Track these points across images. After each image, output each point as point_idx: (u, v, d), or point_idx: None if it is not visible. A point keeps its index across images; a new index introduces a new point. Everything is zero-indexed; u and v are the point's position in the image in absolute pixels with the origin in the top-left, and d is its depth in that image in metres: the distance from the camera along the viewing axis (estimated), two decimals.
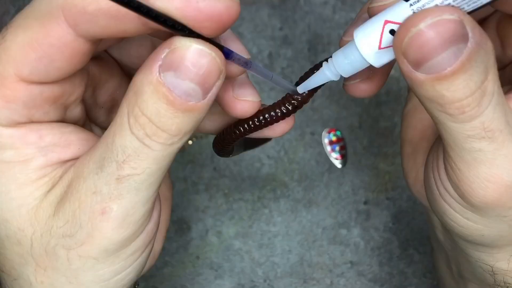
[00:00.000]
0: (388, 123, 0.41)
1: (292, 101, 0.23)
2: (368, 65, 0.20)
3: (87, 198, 0.19)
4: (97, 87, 0.23)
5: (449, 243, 0.26)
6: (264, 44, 0.41)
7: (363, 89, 0.23)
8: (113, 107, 0.24)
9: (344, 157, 0.41)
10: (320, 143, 0.41)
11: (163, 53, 0.17)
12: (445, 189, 0.21)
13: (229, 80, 0.21)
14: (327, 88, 0.41)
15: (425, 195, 0.25)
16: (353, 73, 0.21)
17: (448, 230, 0.23)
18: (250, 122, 0.22)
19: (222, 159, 0.41)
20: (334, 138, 0.41)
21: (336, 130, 0.41)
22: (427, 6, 0.18)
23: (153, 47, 0.20)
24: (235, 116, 0.22)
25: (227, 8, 0.17)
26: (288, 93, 0.23)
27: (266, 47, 0.41)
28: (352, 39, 0.20)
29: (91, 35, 0.18)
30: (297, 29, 0.41)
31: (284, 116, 0.23)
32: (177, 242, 0.41)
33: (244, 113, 0.22)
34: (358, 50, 0.19)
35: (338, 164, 0.41)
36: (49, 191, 0.20)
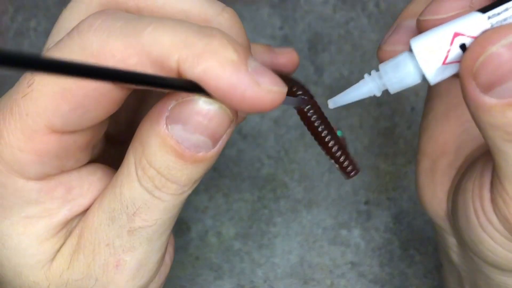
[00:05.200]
0: (389, 123, 0.41)
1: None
2: (420, 80, 0.18)
3: (101, 251, 0.19)
4: (118, 111, 0.22)
5: (466, 265, 0.25)
6: (264, 43, 0.41)
7: None
8: (131, 123, 0.24)
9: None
10: None
11: (170, 104, 0.17)
12: (488, 220, 0.20)
13: None
14: (327, 88, 0.41)
15: (441, 214, 0.24)
16: (401, 89, 0.18)
17: (475, 255, 0.22)
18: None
19: (221, 159, 0.40)
20: None
21: (336, 130, 0.41)
22: (509, 21, 0.16)
23: None
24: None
25: (272, 101, 0.16)
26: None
27: None
28: (405, 52, 0.18)
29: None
30: (297, 29, 0.41)
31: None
32: (176, 243, 0.41)
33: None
34: (414, 63, 0.17)
35: None
36: (63, 243, 0.19)
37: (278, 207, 0.41)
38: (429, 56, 0.17)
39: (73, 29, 0.17)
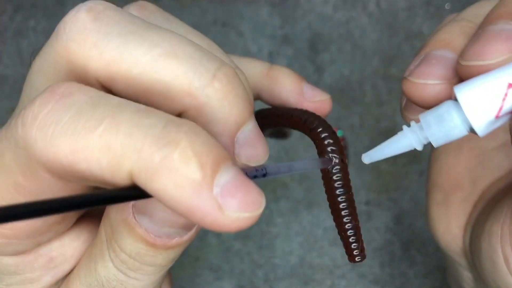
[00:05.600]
0: (389, 123, 0.40)
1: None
2: (468, 132, 0.16)
3: None
4: None
5: None
6: (264, 43, 0.40)
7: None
8: None
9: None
10: None
11: None
12: None
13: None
14: (327, 87, 0.41)
15: (455, 249, 0.23)
16: (445, 143, 0.17)
17: None
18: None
19: None
20: None
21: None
22: None
23: None
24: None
25: (238, 227, 0.14)
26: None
27: (266, 46, 0.40)
28: (450, 102, 0.16)
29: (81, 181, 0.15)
30: (298, 28, 0.41)
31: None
32: None
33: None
34: (462, 116, 0.16)
35: None
36: None
37: (278, 208, 0.41)
38: (479, 109, 0.15)
39: (19, 113, 0.15)
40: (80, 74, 0.16)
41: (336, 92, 0.41)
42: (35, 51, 0.18)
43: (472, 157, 0.23)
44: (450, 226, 0.23)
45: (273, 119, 0.20)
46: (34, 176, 0.15)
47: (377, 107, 0.41)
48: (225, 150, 0.14)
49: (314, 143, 0.19)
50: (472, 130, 0.16)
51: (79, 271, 0.18)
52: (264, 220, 0.41)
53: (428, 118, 0.17)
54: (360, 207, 0.42)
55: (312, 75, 0.40)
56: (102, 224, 0.17)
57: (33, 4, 0.40)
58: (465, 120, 0.16)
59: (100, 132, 0.14)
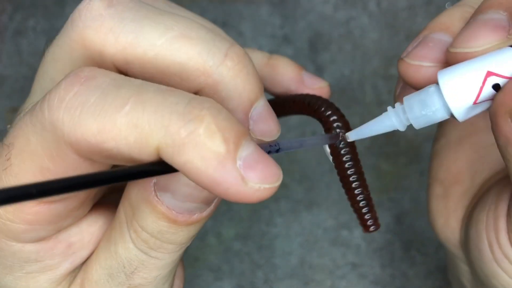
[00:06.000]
0: None
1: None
2: (448, 116, 0.17)
3: None
4: None
5: None
6: (264, 43, 0.40)
7: None
8: None
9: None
10: None
11: None
12: (504, 254, 0.19)
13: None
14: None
15: (454, 242, 0.23)
16: (426, 125, 0.18)
17: (485, 285, 0.21)
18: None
19: None
20: None
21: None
22: None
23: None
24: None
25: (259, 198, 0.15)
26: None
27: (266, 46, 0.40)
28: (432, 87, 0.17)
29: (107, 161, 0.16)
30: (298, 28, 0.41)
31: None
32: None
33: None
34: (442, 101, 0.16)
35: None
36: None
37: (279, 208, 0.41)
38: (458, 95, 0.16)
39: (44, 97, 0.15)
40: (97, 60, 0.17)
41: (336, 92, 0.41)
42: (49, 41, 0.18)
43: (472, 152, 0.23)
44: (449, 220, 0.24)
45: (277, 108, 0.20)
46: (61, 158, 0.15)
47: (377, 106, 0.41)
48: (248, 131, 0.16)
49: (320, 122, 0.20)
50: (452, 115, 0.17)
51: (99, 255, 0.18)
52: (264, 220, 0.41)
53: (411, 101, 0.17)
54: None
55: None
56: (121, 206, 0.17)
57: (33, 3, 0.40)
58: (446, 104, 0.16)
59: (127, 110, 0.14)
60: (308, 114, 0.20)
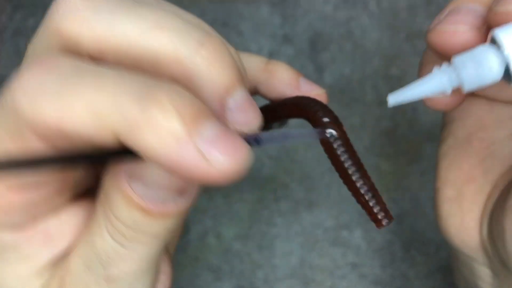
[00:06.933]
0: (390, 122, 0.40)
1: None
2: (500, 78, 0.16)
3: None
4: None
5: None
6: (264, 42, 0.40)
7: (447, 102, 0.20)
8: None
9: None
10: None
11: None
12: None
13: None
14: (328, 87, 0.41)
15: (471, 244, 0.23)
16: (476, 87, 0.17)
17: None
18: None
19: None
20: None
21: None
22: None
23: None
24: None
25: (225, 177, 0.14)
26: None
27: (266, 45, 0.40)
28: (485, 45, 0.16)
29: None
30: (298, 27, 0.40)
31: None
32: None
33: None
34: (500, 58, 0.16)
35: None
36: (48, 285, 0.19)
37: (279, 208, 0.41)
38: None
39: (10, 85, 0.16)
40: (73, 51, 0.17)
41: (336, 92, 0.41)
42: (31, 39, 0.19)
43: (482, 148, 0.23)
44: (464, 221, 0.23)
45: (270, 114, 0.20)
46: (22, 141, 0.15)
47: (377, 106, 0.40)
48: (213, 113, 0.15)
49: (309, 121, 0.19)
50: (506, 76, 0.16)
51: (79, 247, 0.18)
52: (264, 220, 0.41)
53: (463, 58, 0.16)
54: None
55: (312, 74, 0.40)
56: (98, 197, 0.17)
57: (32, 3, 0.40)
58: (503, 62, 0.16)
59: (85, 94, 0.14)
60: (298, 115, 0.20)
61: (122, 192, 0.16)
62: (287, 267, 0.40)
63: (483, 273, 0.24)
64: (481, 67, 0.16)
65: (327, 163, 0.40)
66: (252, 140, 0.16)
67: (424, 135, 0.40)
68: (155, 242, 0.17)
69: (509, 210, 0.20)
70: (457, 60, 0.16)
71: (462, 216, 0.23)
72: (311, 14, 0.41)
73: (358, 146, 0.43)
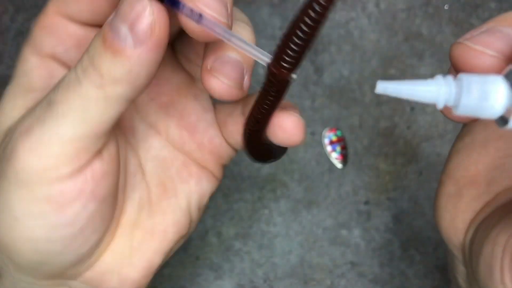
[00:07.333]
0: (389, 123, 0.41)
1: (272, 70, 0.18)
2: (496, 118, 0.15)
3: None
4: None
5: None
6: (264, 44, 0.41)
7: (456, 117, 0.19)
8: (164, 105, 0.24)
9: (344, 157, 0.40)
10: (320, 143, 0.41)
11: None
12: None
13: (210, 48, 0.20)
14: (327, 87, 0.41)
15: (456, 242, 0.23)
16: (468, 116, 0.15)
17: None
18: (256, 105, 0.19)
19: None
20: (334, 138, 0.41)
21: (336, 130, 0.41)
22: None
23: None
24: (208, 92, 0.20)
25: None
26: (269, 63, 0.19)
27: (266, 47, 0.40)
28: (500, 77, 0.15)
29: None
30: None
31: (276, 86, 0.18)
32: None
33: (216, 93, 0.20)
34: (506, 101, 0.14)
35: (338, 164, 0.40)
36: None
37: (278, 207, 0.41)
38: None
39: None
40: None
41: (336, 92, 0.41)
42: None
43: (496, 158, 0.23)
44: (455, 220, 0.23)
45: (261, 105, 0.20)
46: None
47: (376, 107, 0.41)
48: None
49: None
50: (501, 119, 0.15)
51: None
52: (264, 219, 0.41)
53: (471, 81, 0.15)
54: (359, 207, 0.42)
55: (312, 75, 0.41)
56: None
57: (35, 4, 0.40)
58: (507, 105, 0.14)
59: None
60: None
61: (99, 35, 0.18)
62: (286, 266, 0.41)
63: (461, 270, 0.24)
64: (485, 100, 0.14)
65: (326, 163, 0.40)
66: (193, 16, 0.17)
67: (422, 135, 0.40)
68: (98, 84, 0.18)
69: (492, 238, 0.21)
70: (465, 80, 0.15)
71: (455, 214, 0.23)
72: None
73: (357, 146, 0.43)
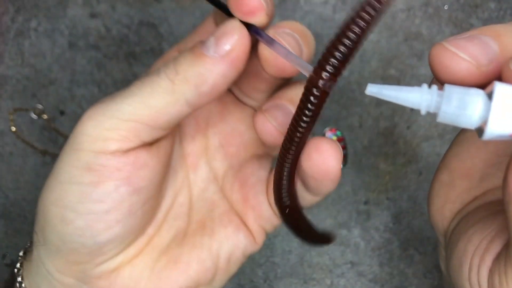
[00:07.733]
0: (388, 123, 0.41)
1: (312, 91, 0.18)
2: (473, 128, 0.16)
3: None
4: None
5: (448, 277, 0.25)
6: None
7: None
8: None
9: (344, 157, 0.41)
10: None
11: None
12: (479, 283, 0.20)
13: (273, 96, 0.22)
14: None
15: (441, 229, 0.24)
16: (448, 123, 0.16)
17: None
18: (285, 141, 0.20)
19: None
20: (334, 138, 0.41)
21: (336, 130, 0.41)
22: None
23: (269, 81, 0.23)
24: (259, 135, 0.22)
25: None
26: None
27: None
28: (480, 91, 0.16)
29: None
30: None
31: (310, 109, 0.19)
32: None
33: (263, 133, 0.22)
34: (484, 113, 0.15)
35: None
36: None
37: None
38: (506, 119, 0.15)
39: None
40: None
41: (335, 93, 0.41)
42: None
43: (494, 156, 0.23)
44: (444, 207, 0.24)
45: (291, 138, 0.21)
46: None
47: (376, 107, 0.41)
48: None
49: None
50: (478, 130, 0.16)
51: None
52: None
53: (452, 93, 0.16)
54: (359, 207, 0.42)
55: None
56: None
57: (35, 4, 0.40)
58: (484, 117, 0.15)
59: None
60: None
61: (191, 49, 0.20)
62: (286, 265, 0.41)
63: (442, 254, 0.25)
64: (463, 109, 0.16)
65: None
66: (254, 30, 0.20)
67: (422, 135, 0.40)
68: (171, 78, 0.20)
69: (467, 237, 0.21)
70: (447, 90, 0.16)
71: (445, 202, 0.24)
72: (311, 15, 0.41)
73: (357, 146, 0.43)
